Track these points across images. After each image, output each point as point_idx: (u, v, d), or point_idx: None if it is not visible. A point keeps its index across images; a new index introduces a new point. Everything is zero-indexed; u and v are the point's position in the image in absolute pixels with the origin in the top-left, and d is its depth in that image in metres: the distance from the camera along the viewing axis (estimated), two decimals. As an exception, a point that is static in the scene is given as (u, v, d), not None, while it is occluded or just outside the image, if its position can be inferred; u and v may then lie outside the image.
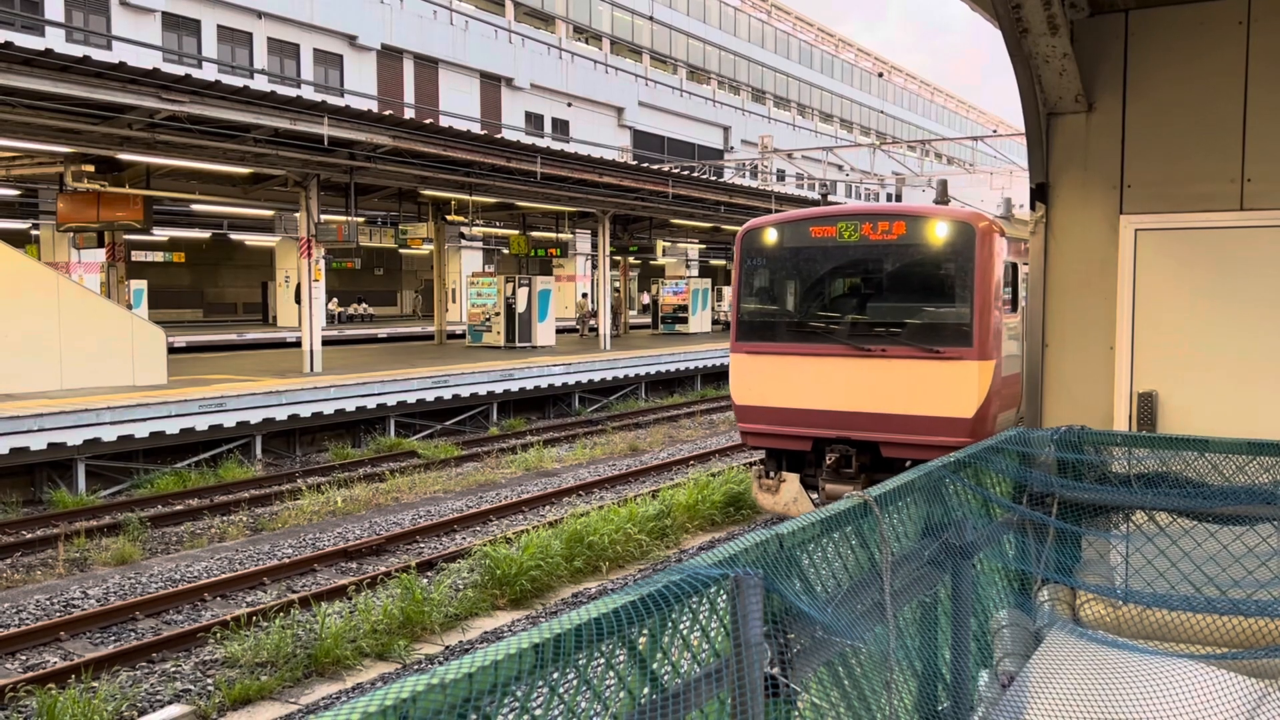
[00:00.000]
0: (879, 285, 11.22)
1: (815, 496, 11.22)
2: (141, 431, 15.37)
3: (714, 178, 37.80)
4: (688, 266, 46.91)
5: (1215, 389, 5.92)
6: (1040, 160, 6.40)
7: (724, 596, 2.50)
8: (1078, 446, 4.98)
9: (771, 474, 11.45)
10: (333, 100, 19.94)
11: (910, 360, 10.63)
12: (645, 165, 30.61)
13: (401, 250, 29.62)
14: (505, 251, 40.24)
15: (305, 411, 18.09)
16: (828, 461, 10.92)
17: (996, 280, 10.57)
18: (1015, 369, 11.21)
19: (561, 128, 51.34)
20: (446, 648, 9.17)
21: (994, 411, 10.50)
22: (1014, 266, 11.26)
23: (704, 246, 46.06)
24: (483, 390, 22.14)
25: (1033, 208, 6.49)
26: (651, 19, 58.13)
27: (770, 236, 11.59)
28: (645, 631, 2.29)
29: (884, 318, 11.03)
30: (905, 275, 11.03)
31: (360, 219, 24.00)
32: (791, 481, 11.27)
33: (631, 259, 38.81)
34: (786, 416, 11.24)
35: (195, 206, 27.53)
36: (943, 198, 12.66)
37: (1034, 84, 6.23)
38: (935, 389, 10.49)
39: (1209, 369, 5.94)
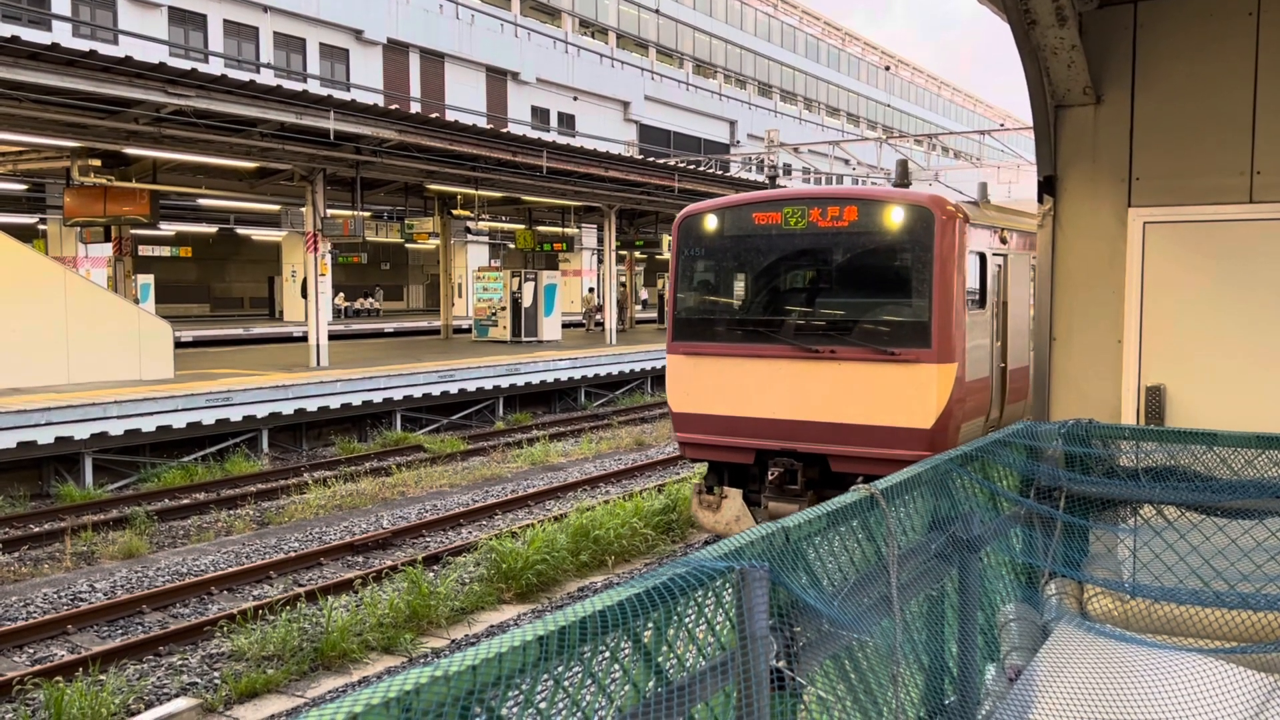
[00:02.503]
0: (829, 278, 10.19)
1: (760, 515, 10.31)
2: (148, 426, 15.40)
3: (720, 172, 37.73)
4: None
5: (1224, 382, 5.89)
6: (1048, 153, 6.37)
7: (730, 590, 2.50)
8: (1085, 440, 4.96)
9: (713, 489, 10.43)
10: (339, 94, 19.96)
11: (862, 363, 9.59)
12: (651, 159, 30.59)
13: (408, 245, 29.62)
14: (511, 246, 40.24)
15: (312, 406, 18.12)
16: (770, 476, 9.89)
17: (960, 272, 9.57)
18: (983, 372, 10.22)
19: (567, 122, 51.29)
20: (452, 641, 9.19)
21: (956, 421, 9.48)
22: (982, 257, 10.26)
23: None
24: (489, 385, 22.15)
25: (1040, 201, 6.46)
26: (658, 13, 58.03)
27: (710, 223, 10.51)
28: (650, 624, 2.28)
29: (833, 315, 9.98)
30: (857, 266, 9.99)
31: (366, 213, 24.02)
32: (734, 498, 10.19)
33: (637, 253, 38.77)
34: (727, 425, 10.23)
35: (202, 201, 27.56)
36: (903, 180, 11.50)
37: (1042, 76, 6.19)
38: (889, 395, 9.46)
39: (1218, 362, 5.91)
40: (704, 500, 10.38)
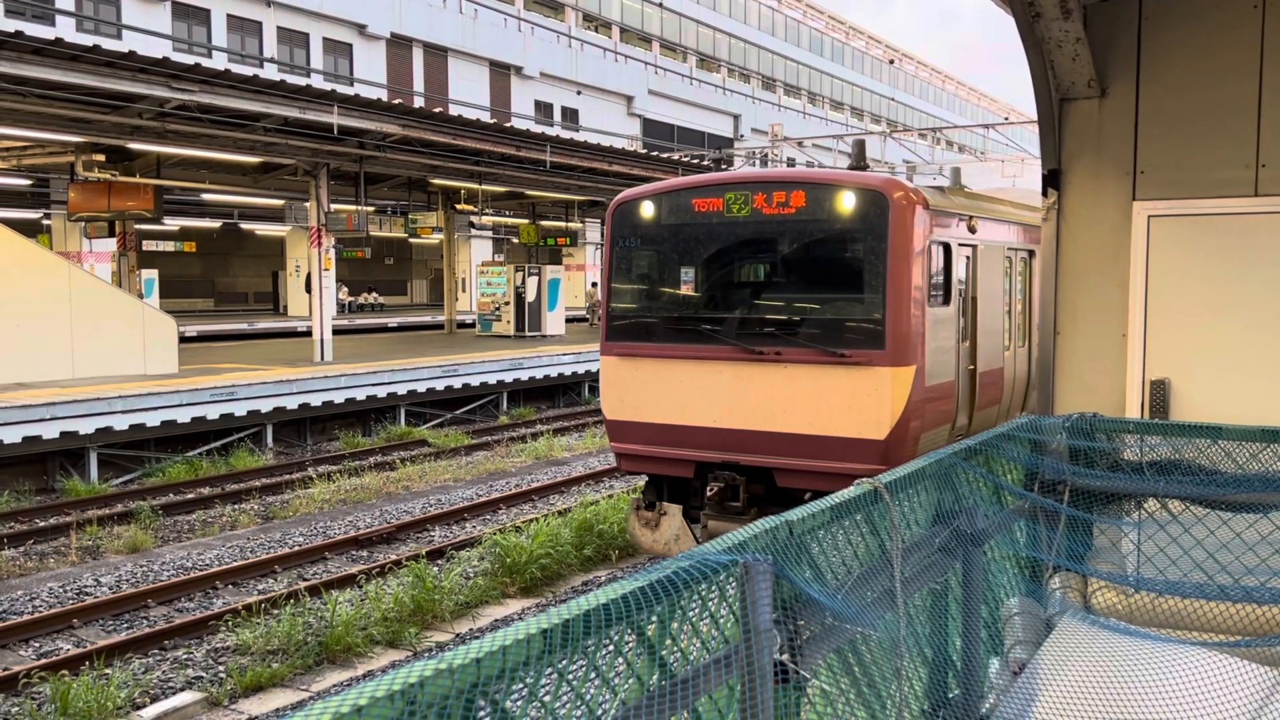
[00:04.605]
0: (775, 271, 9.35)
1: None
2: (153, 420, 15.43)
3: (724, 166, 37.69)
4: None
5: (1229, 376, 5.88)
6: (1052, 146, 6.36)
7: (733, 583, 2.50)
8: (1090, 434, 4.96)
9: (653, 505, 9.60)
10: (342, 89, 19.95)
11: (810, 366, 8.67)
12: (655, 154, 30.55)
13: (412, 240, 29.67)
14: (515, 241, 40.22)
15: (316, 400, 18.14)
16: (709, 492, 9.07)
17: (918, 263, 8.65)
18: (947, 376, 9.31)
19: (571, 116, 51.23)
20: (457, 635, 9.20)
21: (915, 432, 8.60)
22: (946, 247, 9.35)
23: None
24: (492, 379, 22.16)
25: (1044, 194, 6.44)
26: (661, 6, 57.94)
27: (646, 211, 9.59)
28: (654, 618, 2.28)
29: (778, 312, 9.14)
30: (805, 258, 9.11)
31: (370, 208, 24.04)
32: (673, 515, 9.40)
33: (641, 248, 38.68)
34: (664, 435, 9.35)
35: (206, 196, 27.59)
36: (859, 162, 10.45)
37: (1046, 69, 6.18)
38: (840, 402, 8.55)
39: (1222, 356, 5.90)
40: (642, 517, 9.60)
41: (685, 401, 9.23)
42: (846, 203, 8.72)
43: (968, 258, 10.02)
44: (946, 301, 9.37)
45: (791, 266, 9.19)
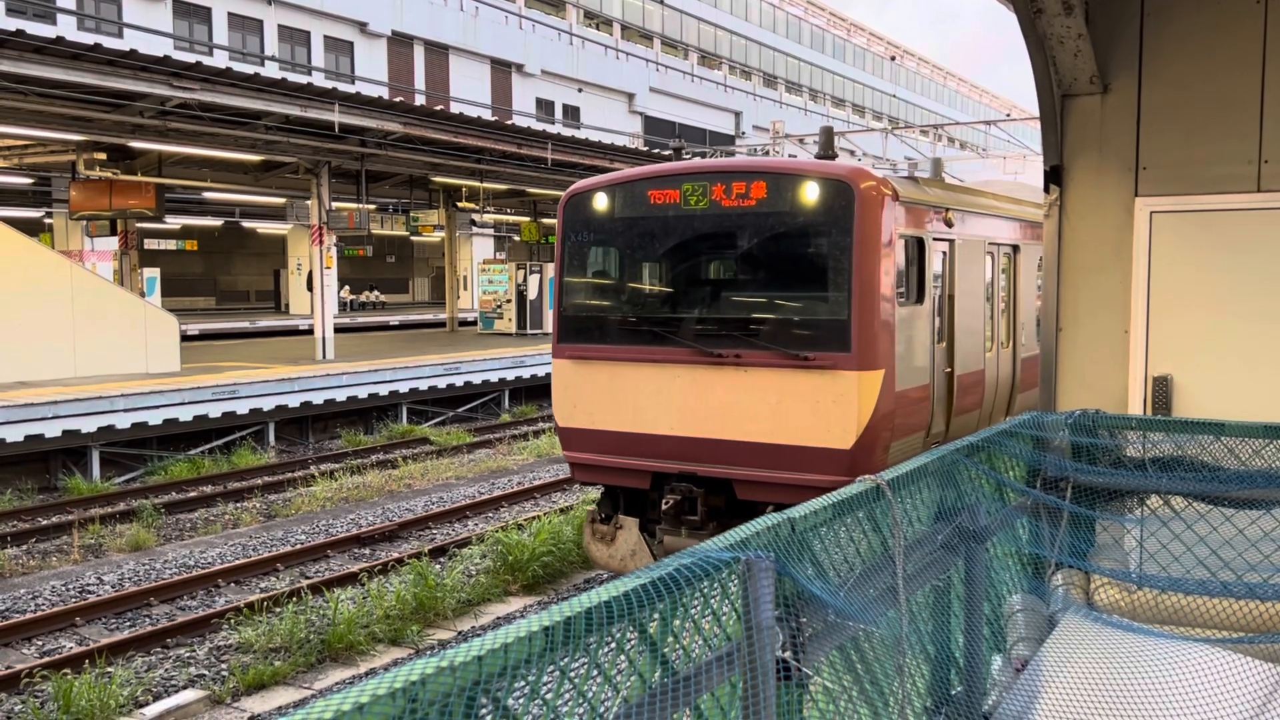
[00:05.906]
0: (734, 267, 8.82)
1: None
2: (155, 419, 15.43)
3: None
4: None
5: (1231, 372, 5.87)
6: (1055, 143, 6.35)
7: (735, 580, 2.49)
8: (1092, 430, 4.95)
9: (609, 518, 9.17)
10: (343, 87, 19.95)
11: (771, 369, 8.14)
12: (656, 151, 30.53)
13: (413, 238, 29.69)
14: (516, 238, 40.22)
15: (318, 399, 18.14)
16: (665, 505, 8.55)
17: (887, 259, 8.12)
18: (921, 380, 8.76)
19: (572, 114, 51.21)
20: (459, 633, 9.21)
21: (884, 440, 8.07)
22: (918, 242, 8.78)
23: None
24: (494, 377, 22.17)
25: (1047, 190, 6.44)
26: (662, 3, 57.90)
27: (599, 203, 9.04)
28: (656, 615, 2.28)
29: (738, 311, 8.60)
30: (767, 253, 8.54)
31: (371, 206, 24.03)
32: (630, 529, 8.93)
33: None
34: (619, 443, 8.83)
35: (207, 194, 27.60)
36: (826, 152, 9.78)
37: (1048, 66, 6.17)
38: (803, 409, 8.02)
39: (1225, 352, 5.89)
40: (597, 531, 9.17)
41: (641, 408, 8.73)
42: (810, 194, 8.17)
43: (944, 253, 9.57)
44: (920, 300, 8.87)
45: (752, 262, 8.67)
